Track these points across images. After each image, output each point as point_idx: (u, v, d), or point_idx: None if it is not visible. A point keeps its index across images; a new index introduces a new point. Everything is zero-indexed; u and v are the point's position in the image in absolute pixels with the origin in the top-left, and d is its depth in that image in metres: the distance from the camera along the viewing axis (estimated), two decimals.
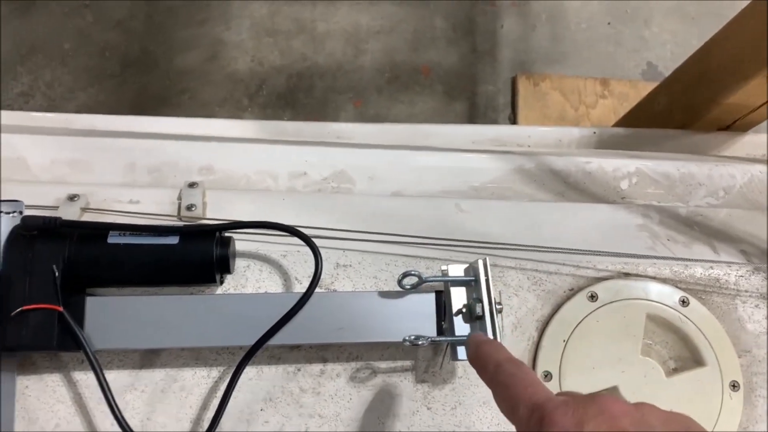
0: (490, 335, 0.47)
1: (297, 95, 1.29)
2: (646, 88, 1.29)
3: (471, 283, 0.49)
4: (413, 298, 0.50)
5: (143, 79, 1.27)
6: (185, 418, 0.51)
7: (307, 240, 0.49)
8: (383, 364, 0.53)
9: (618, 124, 1.10)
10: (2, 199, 0.50)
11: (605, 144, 0.88)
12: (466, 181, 0.65)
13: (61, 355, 0.51)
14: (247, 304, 0.50)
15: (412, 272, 0.48)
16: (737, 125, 0.88)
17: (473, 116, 1.32)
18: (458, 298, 0.49)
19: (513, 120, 1.30)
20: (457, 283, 0.49)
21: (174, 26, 1.30)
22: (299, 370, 0.52)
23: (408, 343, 0.47)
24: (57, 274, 0.47)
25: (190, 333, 0.48)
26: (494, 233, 0.57)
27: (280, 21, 1.32)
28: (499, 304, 0.48)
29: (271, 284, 0.54)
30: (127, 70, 1.27)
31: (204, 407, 0.51)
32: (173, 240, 0.49)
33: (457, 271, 0.50)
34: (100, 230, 0.49)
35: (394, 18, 1.35)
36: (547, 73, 1.32)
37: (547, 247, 0.55)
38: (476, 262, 0.49)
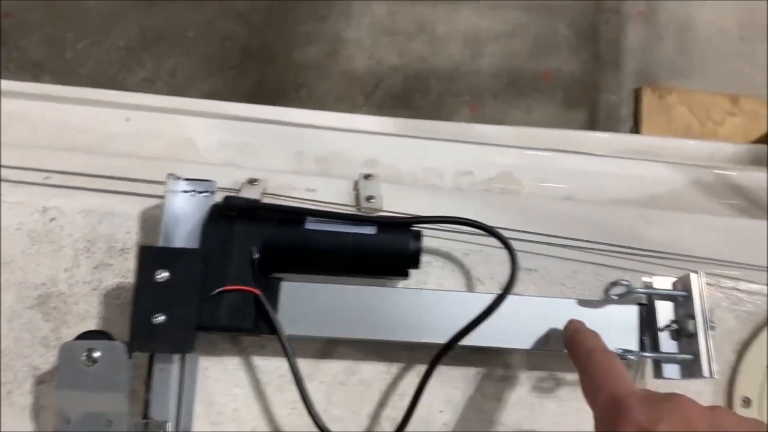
0: (703, 354, 0.44)
1: (412, 96, 1.28)
2: None
3: (679, 298, 0.46)
4: (613, 309, 0.47)
5: (262, 72, 1.28)
6: (363, 413, 0.50)
7: (505, 241, 0.47)
8: (570, 376, 0.50)
9: (758, 141, 1.05)
10: (197, 178, 0.50)
11: (760, 162, 0.83)
12: (640, 190, 0.62)
13: (241, 338, 0.51)
14: (437, 301, 0.48)
15: (622, 282, 0.46)
16: None
17: (593, 126, 1.28)
18: (664, 313, 0.46)
19: (635, 132, 1.26)
20: (665, 296, 0.47)
21: (294, 20, 1.31)
22: (480, 374, 0.50)
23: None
24: (256, 256, 0.46)
25: (381, 326, 0.47)
26: (684, 246, 0.54)
27: (400, 21, 1.31)
28: (713, 322, 0.45)
29: (453, 282, 0.52)
30: (247, 62, 1.29)
31: (382, 404, 0.50)
32: (370, 230, 0.48)
33: (663, 284, 0.47)
34: (298, 215, 0.48)
35: (516, 22, 1.33)
36: (674, 86, 1.27)
37: (751, 265, 0.51)
38: (687, 276, 0.46)
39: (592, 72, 1.32)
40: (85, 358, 0.44)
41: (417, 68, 1.29)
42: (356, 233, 0.47)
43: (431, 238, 0.53)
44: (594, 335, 0.42)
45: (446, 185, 0.62)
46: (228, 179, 0.57)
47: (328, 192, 0.57)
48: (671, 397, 0.33)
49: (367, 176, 0.58)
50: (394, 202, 0.56)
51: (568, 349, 0.43)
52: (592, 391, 0.37)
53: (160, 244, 0.48)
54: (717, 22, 1.36)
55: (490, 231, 0.48)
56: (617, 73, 1.32)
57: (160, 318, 0.45)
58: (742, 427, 0.31)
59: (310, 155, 0.63)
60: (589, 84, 1.31)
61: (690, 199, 0.62)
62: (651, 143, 0.83)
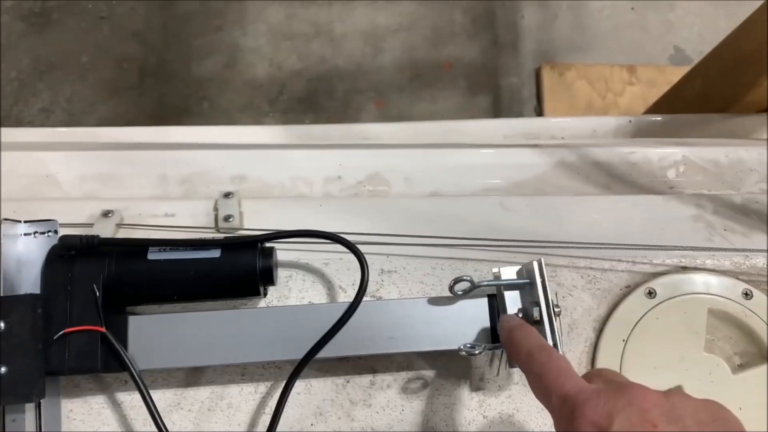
0: (549, 340, 0.44)
1: (318, 98, 1.27)
2: (675, 72, 1.26)
3: (525, 285, 0.47)
4: (465, 304, 0.47)
5: (162, 89, 1.26)
6: None
7: (352, 247, 0.47)
8: (435, 373, 0.51)
9: (650, 110, 1.08)
10: (36, 219, 0.49)
11: (642, 132, 0.85)
12: (506, 178, 0.63)
13: (104, 376, 0.50)
14: (292, 316, 0.48)
15: (464, 278, 0.46)
16: None
17: (498, 110, 1.30)
18: (512, 301, 0.47)
19: (539, 112, 1.27)
20: (511, 286, 0.47)
21: (190, 34, 1.29)
22: (348, 382, 0.50)
23: (464, 352, 0.45)
24: (98, 294, 0.45)
25: (235, 349, 0.47)
26: (542, 231, 0.55)
27: (296, 24, 1.30)
28: (557, 306, 0.46)
29: (315, 294, 0.52)
30: (146, 81, 1.26)
31: (252, 424, 0.49)
32: (215, 253, 0.47)
33: (509, 273, 0.47)
34: (139, 247, 0.47)
35: (412, 15, 1.33)
36: (572, 63, 1.29)
37: (600, 244, 0.53)
38: (530, 263, 0.46)
39: (491, 57, 1.33)
40: None
41: (319, 70, 1.29)
42: (200, 258, 0.47)
43: (289, 251, 0.53)
44: (529, 332, 0.41)
45: (315, 193, 0.62)
46: (86, 214, 0.56)
47: (188, 215, 0.56)
48: (624, 389, 0.32)
49: (227, 195, 0.57)
50: (257, 218, 0.56)
51: (507, 351, 0.43)
52: (542, 393, 0.36)
53: (2, 292, 0.47)
54: None
55: (336, 239, 0.48)
56: (517, 56, 1.34)
57: (2, 370, 0.43)
58: (699, 413, 0.31)
59: (175, 177, 0.62)
60: (490, 69, 1.33)
61: (554, 181, 0.62)
62: (533, 125, 0.84)
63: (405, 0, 1.33)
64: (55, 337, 0.45)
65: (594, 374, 0.38)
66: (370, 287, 0.52)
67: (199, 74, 1.27)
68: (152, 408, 0.45)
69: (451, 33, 1.32)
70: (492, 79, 1.31)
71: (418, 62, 1.31)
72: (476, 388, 0.50)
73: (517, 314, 0.46)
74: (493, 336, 0.47)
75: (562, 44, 1.35)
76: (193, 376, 0.50)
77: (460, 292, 0.46)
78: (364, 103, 1.28)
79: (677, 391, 0.32)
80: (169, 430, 0.45)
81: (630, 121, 0.86)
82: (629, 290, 0.52)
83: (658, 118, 0.87)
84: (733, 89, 0.86)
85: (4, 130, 0.71)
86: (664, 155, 0.65)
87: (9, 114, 1.23)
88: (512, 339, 0.41)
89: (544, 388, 0.35)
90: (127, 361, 0.45)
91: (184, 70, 1.27)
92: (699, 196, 0.59)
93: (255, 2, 1.30)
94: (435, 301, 0.48)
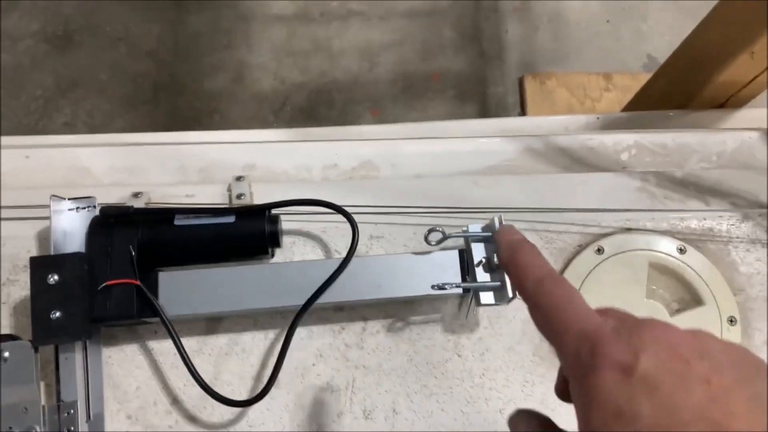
0: (508, 285, 0.53)
1: (318, 109, 1.38)
2: (648, 79, 1.36)
3: (489, 238, 0.56)
4: (439, 256, 0.56)
5: (175, 103, 1.37)
6: (248, 376, 0.58)
7: (342, 211, 0.57)
8: (416, 319, 0.60)
9: (623, 111, 1.17)
10: (78, 197, 0.59)
11: (608, 127, 0.95)
12: (481, 162, 0.72)
13: (136, 328, 0.59)
14: (296, 270, 0.57)
15: (437, 228, 0.55)
16: (732, 102, 0.94)
17: (484, 117, 1.40)
18: (478, 252, 0.56)
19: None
20: (477, 239, 0.56)
21: (200, 52, 1.40)
22: (343, 328, 0.59)
23: (436, 287, 0.54)
24: (133, 253, 0.55)
25: (249, 298, 0.56)
26: (509, 202, 0.64)
27: (297, 42, 1.42)
28: None
29: (315, 257, 0.61)
30: (160, 95, 1.37)
31: (263, 365, 0.58)
32: (230, 219, 0.56)
33: (475, 228, 0.57)
34: (167, 215, 0.57)
35: (404, 31, 1.44)
36: (553, 72, 1.40)
37: (556, 208, 0.62)
38: (492, 219, 0.56)
39: (478, 68, 1.44)
40: None
41: (319, 83, 1.39)
42: (218, 223, 0.56)
43: (293, 222, 0.62)
44: (535, 254, 0.37)
45: (314, 178, 0.71)
46: (117, 196, 0.65)
47: (205, 196, 0.66)
48: (645, 325, 0.29)
49: (238, 178, 0.67)
50: (264, 197, 0.65)
51: (509, 276, 0.40)
52: (551, 330, 0.32)
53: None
54: (584, 8, 1.50)
55: (332, 206, 0.57)
56: (502, 66, 1.45)
57: (57, 314, 0.53)
58: (729, 352, 0.28)
59: (193, 168, 0.71)
60: (477, 79, 1.43)
61: (521, 164, 0.72)
62: (512, 123, 0.94)
63: (396, 17, 1.45)
64: (98, 288, 0.54)
65: (603, 311, 0.34)
66: (361, 250, 0.61)
67: (209, 88, 1.38)
68: (180, 348, 0.54)
69: (440, 47, 1.44)
70: (479, 88, 1.42)
71: (410, 74, 1.41)
72: (451, 331, 0.59)
73: (481, 261, 0.55)
74: (463, 281, 0.56)
75: (544, 55, 1.45)
76: (212, 326, 0.59)
77: (434, 242, 0.56)
78: (361, 113, 1.38)
79: (700, 330, 0.29)
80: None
81: (598, 118, 0.95)
82: (581, 249, 0.61)
83: (623, 115, 0.96)
84: (691, 87, 0.95)
85: (37, 138, 0.81)
86: (618, 140, 0.74)
87: (35, 128, 1.33)
88: (516, 262, 0.37)
89: (555, 324, 0.31)
90: (158, 308, 0.54)
91: (195, 85, 1.38)
92: (646, 173, 0.68)
93: (259, 22, 1.42)
94: (417, 254, 0.57)
